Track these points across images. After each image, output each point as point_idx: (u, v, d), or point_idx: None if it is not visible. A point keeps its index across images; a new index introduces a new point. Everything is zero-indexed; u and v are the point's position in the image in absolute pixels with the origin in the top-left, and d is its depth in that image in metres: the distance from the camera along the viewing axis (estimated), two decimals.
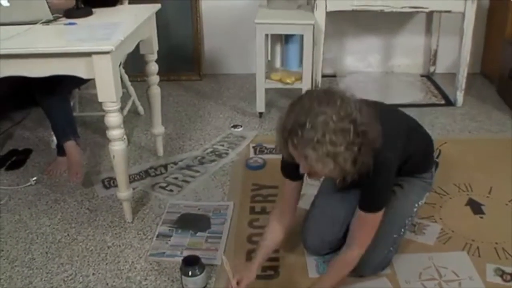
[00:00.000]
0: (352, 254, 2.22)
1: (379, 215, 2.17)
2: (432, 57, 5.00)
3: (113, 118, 2.60)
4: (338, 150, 1.82)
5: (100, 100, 2.55)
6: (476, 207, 2.96)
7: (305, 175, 2.08)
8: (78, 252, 2.67)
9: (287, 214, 2.35)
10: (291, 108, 1.92)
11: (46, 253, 2.66)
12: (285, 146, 1.93)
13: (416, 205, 2.50)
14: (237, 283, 2.19)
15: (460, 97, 4.31)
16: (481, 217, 2.88)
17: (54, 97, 3.17)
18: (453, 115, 4.18)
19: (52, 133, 3.59)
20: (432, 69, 5.04)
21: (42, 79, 2.56)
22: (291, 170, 2.18)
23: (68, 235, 2.80)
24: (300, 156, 1.89)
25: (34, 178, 3.30)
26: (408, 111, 2.56)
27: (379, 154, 1.97)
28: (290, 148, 1.90)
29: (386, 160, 2.05)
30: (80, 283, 2.46)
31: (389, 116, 2.20)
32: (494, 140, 3.76)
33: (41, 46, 2.48)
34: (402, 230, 2.45)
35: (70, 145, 3.30)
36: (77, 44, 2.48)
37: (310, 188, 2.68)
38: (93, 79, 2.51)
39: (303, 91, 3.78)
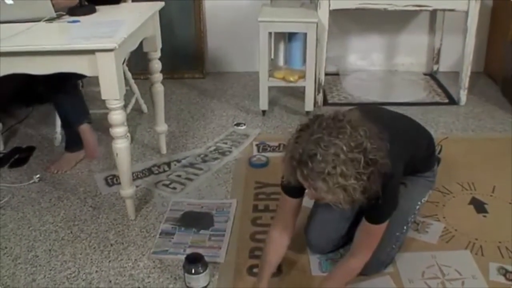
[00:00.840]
0: (355, 262, 2.22)
1: (384, 225, 2.17)
2: (435, 56, 4.99)
3: (117, 116, 2.60)
4: (348, 182, 1.81)
5: (103, 97, 2.55)
6: (479, 206, 2.96)
7: None
8: (81, 249, 2.67)
9: (289, 228, 2.33)
10: (299, 135, 1.88)
11: (49, 250, 2.67)
12: (293, 174, 1.91)
13: (419, 203, 2.50)
14: None
15: (463, 96, 4.31)
16: (484, 216, 2.88)
17: (64, 91, 3.20)
18: (456, 114, 4.17)
19: (57, 130, 3.62)
20: (435, 67, 5.03)
21: (49, 75, 2.56)
22: (293, 190, 2.17)
23: (71, 232, 2.80)
24: (310, 187, 1.88)
25: (37, 176, 3.30)
26: (411, 110, 2.57)
27: (386, 178, 1.95)
28: (299, 177, 1.88)
29: (393, 181, 2.04)
30: (83, 280, 2.47)
31: (391, 126, 2.17)
32: (498, 139, 3.75)
33: (44, 44, 2.47)
34: (405, 227, 2.45)
35: (85, 128, 3.34)
36: (81, 42, 2.48)
37: None
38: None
39: (307, 90, 3.86)
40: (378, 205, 2.02)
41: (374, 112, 2.15)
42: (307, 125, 1.89)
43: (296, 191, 2.12)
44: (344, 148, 1.79)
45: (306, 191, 1.98)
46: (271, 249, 2.32)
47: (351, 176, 1.80)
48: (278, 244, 2.32)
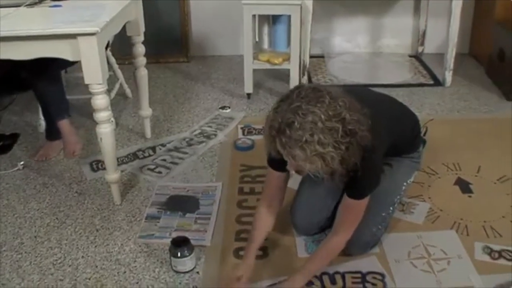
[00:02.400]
0: (338, 239, 2.23)
1: (365, 201, 2.17)
2: (420, 38, 4.99)
3: (100, 100, 2.59)
4: (326, 150, 1.81)
5: (86, 82, 2.53)
6: (464, 186, 2.97)
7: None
8: (67, 235, 2.66)
9: (275, 204, 2.35)
10: (278, 105, 1.90)
11: (35, 237, 2.65)
12: (273, 144, 1.92)
13: (405, 183, 2.51)
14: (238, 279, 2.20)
15: (448, 77, 4.32)
16: (470, 196, 2.90)
17: (46, 77, 3.17)
18: (442, 95, 4.18)
19: (40, 117, 3.59)
20: (420, 49, 5.03)
21: (33, 61, 2.54)
22: (278, 163, 2.17)
23: (56, 218, 2.79)
24: (288, 155, 1.89)
25: (22, 163, 3.28)
26: (396, 91, 2.57)
27: (367, 151, 1.96)
28: (278, 146, 1.89)
29: (374, 155, 2.04)
30: (69, 266, 2.46)
31: (375, 105, 2.19)
32: (483, 120, 3.76)
33: (26, 29, 2.44)
34: (391, 208, 2.46)
35: (65, 123, 3.32)
36: (62, 26, 2.45)
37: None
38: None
39: (291, 72, 3.86)
40: (358, 179, 2.04)
41: (358, 92, 2.14)
42: (287, 96, 1.91)
43: (281, 164, 2.12)
44: (322, 116, 1.79)
45: (288, 164, 1.99)
46: (258, 225, 2.33)
47: (328, 145, 1.80)
48: (265, 220, 2.33)
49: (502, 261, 2.41)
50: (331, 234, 2.26)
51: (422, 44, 5.01)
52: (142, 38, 3.22)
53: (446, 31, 4.22)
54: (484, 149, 3.33)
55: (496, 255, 2.45)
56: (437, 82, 4.42)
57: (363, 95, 2.10)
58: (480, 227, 2.63)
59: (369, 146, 1.94)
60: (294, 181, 2.54)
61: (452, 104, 4.02)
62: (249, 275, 2.22)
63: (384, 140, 2.12)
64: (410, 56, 5.05)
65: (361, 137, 1.88)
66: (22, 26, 2.48)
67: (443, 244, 2.52)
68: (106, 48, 3.19)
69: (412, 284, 2.29)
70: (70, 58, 2.49)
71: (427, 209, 2.77)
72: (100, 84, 2.53)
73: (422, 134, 2.69)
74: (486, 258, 2.43)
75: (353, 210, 2.19)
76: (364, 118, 1.90)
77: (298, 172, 2.04)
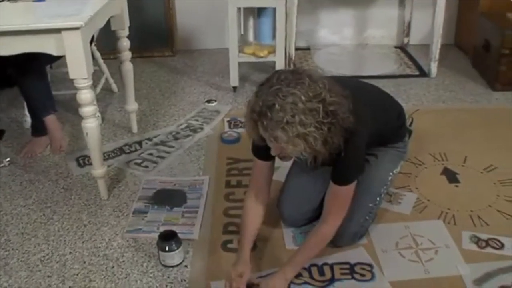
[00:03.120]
0: (327, 228, 2.22)
1: (351, 187, 2.17)
2: (405, 29, 5.00)
3: (85, 95, 2.57)
4: (308, 131, 1.83)
5: (71, 77, 2.52)
6: (451, 176, 2.98)
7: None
8: (54, 231, 2.65)
9: (263, 195, 2.35)
10: (259, 90, 1.91)
11: (22, 233, 2.64)
12: (255, 129, 1.93)
13: (391, 173, 2.51)
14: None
15: (434, 67, 4.33)
16: (456, 186, 2.91)
17: (31, 73, 3.15)
18: (427, 86, 4.20)
19: (26, 113, 3.56)
20: (406, 40, 5.04)
21: (18, 56, 2.52)
22: (262, 151, 2.17)
23: (43, 215, 2.77)
24: (270, 138, 1.89)
25: (8, 159, 3.25)
26: (382, 82, 2.58)
27: (350, 134, 1.97)
28: (260, 130, 1.90)
29: (356, 138, 2.04)
30: (57, 262, 2.45)
31: (358, 92, 2.20)
32: (468, 110, 3.78)
33: (9, 24, 2.42)
34: (378, 199, 2.46)
35: (51, 119, 3.30)
36: (46, 21, 2.44)
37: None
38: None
39: (277, 65, 3.85)
40: (342, 164, 2.07)
41: (343, 80, 2.15)
42: (267, 80, 1.92)
43: (265, 152, 2.12)
44: (303, 97, 1.81)
45: (271, 149, 1.99)
46: (248, 219, 2.34)
47: (310, 125, 1.82)
48: (254, 213, 2.34)
49: (489, 250, 2.43)
50: (319, 223, 2.26)
51: (408, 35, 5.02)
52: (127, 32, 3.21)
53: (431, 22, 4.23)
54: (470, 139, 3.34)
55: (483, 244, 2.46)
56: (423, 73, 4.43)
57: (348, 83, 2.11)
58: (467, 217, 2.65)
59: (351, 129, 1.95)
60: (281, 174, 2.55)
61: (438, 95, 4.03)
62: (250, 272, 2.22)
63: (367, 125, 2.11)
64: (396, 47, 5.05)
65: (342, 118, 1.90)
66: (5, 21, 2.45)
67: (430, 234, 2.53)
68: (91, 42, 3.19)
69: (400, 274, 2.30)
70: (54, 53, 2.47)
71: (414, 199, 2.78)
72: (85, 78, 2.51)
73: (407, 125, 2.69)
74: (474, 247, 2.45)
75: (340, 196, 2.19)
76: (345, 101, 1.92)
77: (282, 157, 2.05)
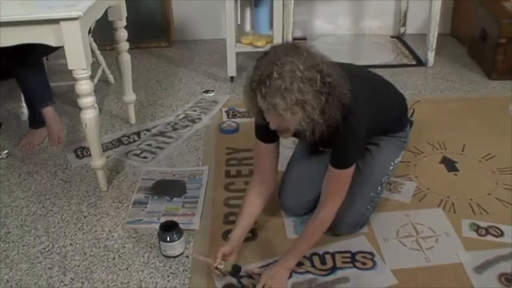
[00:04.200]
0: (326, 212, 2.22)
1: (349, 171, 2.16)
2: (402, 18, 4.99)
3: (84, 86, 2.56)
4: (306, 98, 1.84)
5: (70, 67, 2.51)
6: (450, 165, 2.99)
7: (280, 140, 2.09)
8: (54, 223, 2.65)
9: (267, 180, 2.34)
10: (258, 63, 1.93)
11: (22, 226, 2.63)
12: (253, 100, 1.94)
13: (392, 163, 2.51)
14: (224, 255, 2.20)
15: (431, 57, 4.33)
16: (455, 174, 2.92)
17: (28, 65, 3.13)
18: (425, 75, 4.20)
19: (23, 105, 3.55)
20: (402, 30, 5.04)
21: (14, 48, 2.51)
22: (265, 132, 2.17)
23: (43, 206, 2.77)
24: (269, 106, 1.88)
25: (6, 151, 3.24)
26: (379, 72, 2.57)
27: (347, 111, 1.98)
28: (259, 99, 1.90)
29: (355, 118, 2.05)
30: (58, 254, 2.44)
31: (361, 77, 2.21)
32: (466, 99, 3.78)
33: (7, 14, 2.40)
34: (379, 188, 2.46)
35: (49, 110, 3.29)
36: (45, 11, 2.42)
37: (285, 150, 2.68)
38: (63, 47, 2.47)
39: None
40: (340, 146, 2.09)
41: (345, 65, 2.16)
42: (265, 53, 1.94)
43: (269, 135, 2.13)
44: (301, 66, 1.83)
45: (270, 122, 1.98)
46: (247, 202, 2.33)
47: (308, 93, 1.83)
48: (254, 197, 2.33)
49: (489, 238, 2.44)
50: (318, 208, 2.25)
51: (404, 25, 5.01)
52: (124, 22, 3.20)
53: (428, 12, 4.24)
54: (468, 128, 3.35)
55: (483, 231, 2.47)
56: (420, 63, 4.43)
57: (350, 68, 2.12)
58: (466, 205, 2.66)
59: (348, 108, 1.97)
60: (282, 164, 2.54)
61: (435, 84, 4.04)
62: (234, 253, 2.23)
63: (365, 107, 2.12)
64: (392, 37, 5.04)
65: (340, 93, 1.92)
66: (3, 12, 2.43)
67: (430, 222, 2.54)
68: (88, 33, 3.17)
69: (401, 262, 2.31)
70: (53, 43, 2.46)
71: (414, 188, 2.79)
72: (84, 69, 2.51)
73: (409, 116, 2.70)
74: (473, 234, 2.46)
75: (338, 180, 2.19)
76: (342, 78, 1.95)
77: (281, 132, 2.04)
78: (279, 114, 1.88)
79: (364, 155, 2.44)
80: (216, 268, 2.16)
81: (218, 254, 2.17)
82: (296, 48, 1.90)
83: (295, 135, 2.10)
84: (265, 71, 1.85)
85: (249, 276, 2.23)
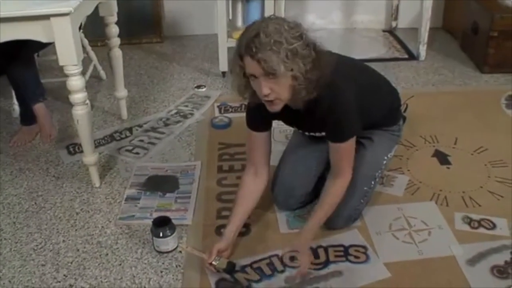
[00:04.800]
0: (341, 181, 2.23)
1: (350, 143, 2.18)
2: (394, 12, 4.99)
3: (75, 82, 2.55)
4: (296, 47, 1.87)
5: (61, 63, 2.50)
6: (442, 158, 2.99)
7: (272, 130, 2.09)
8: (46, 220, 2.64)
9: (261, 171, 2.35)
10: (243, 32, 1.97)
11: (14, 223, 2.62)
12: (242, 70, 1.97)
13: (386, 157, 2.52)
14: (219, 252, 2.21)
15: (422, 51, 4.34)
16: (448, 168, 2.92)
17: (19, 61, 3.12)
18: (417, 69, 4.20)
19: (14, 101, 3.53)
20: (394, 24, 5.04)
21: (5, 44, 2.49)
22: (257, 120, 2.19)
23: (35, 203, 2.76)
24: (261, 63, 1.88)
25: None
26: (372, 66, 2.57)
27: (335, 88, 2.03)
28: (249, 63, 1.91)
29: (343, 96, 2.09)
30: (51, 251, 2.44)
31: (351, 61, 2.23)
32: (458, 93, 3.79)
33: None
34: (373, 182, 2.47)
35: (40, 107, 3.28)
36: (35, 7, 2.40)
37: (278, 144, 2.69)
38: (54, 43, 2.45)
39: None
40: (333, 122, 2.12)
41: (340, 56, 2.18)
42: (251, 23, 1.98)
43: (261, 123, 2.15)
44: (285, 26, 1.89)
45: (262, 88, 1.96)
46: (240, 195, 2.34)
47: (297, 44, 1.88)
48: (248, 189, 2.33)
49: (481, 230, 2.45)
50: (332, 178, 2.26)
51: (396, 19, 5.02)
52: (115, 18, 3.19)
53: (419, 6, 4.25)
54: (460, 121, 3.36)
55: (476, 224, 2.48)
56: (412, 56, 4.44)
57: (340, 56, 2.15)
58: (459, 198, 2.66)
59: (337, 84, 2.04)
60: (275, 158, 2.54)
61: (427, 78, 4.04)
62: (229, 249, 2.25)
63: (352, 87, 2.15)
64: (384, 31, 5.05)
65: (325, 62, 1.97)
66: None
67: (423, 215, 2.55)
68: (79, 29, 3.15)
69: (394, 255, 2.31)
70: (43, 39, 2.45)
71: (406, 181, 2.79)
72: (75, 65, 2.49)
73: (402, 111, 2.70)
74: (466, 227, 2.46)
75: (342, 151, 2.20)
76: (330, 56, 2.01)
77: (272, 102, 2.01)
78: (272, 71, 1.88)
79: (359, 144, 2.44)
80: (211, 264, 2.17)
81: (213, 251, 2.17)
82: (280, 17, 1.97)
83: (285, 117, 2.11)
84: (250, 34, 1.88)
85: (243, 270, 2.24)
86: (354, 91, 2.14)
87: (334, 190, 2.24)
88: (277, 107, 2.06)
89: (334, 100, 2.05)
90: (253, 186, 2.33)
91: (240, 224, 2.32)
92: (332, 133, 2.18)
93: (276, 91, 1.96)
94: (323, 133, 2.25)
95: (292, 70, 1.89)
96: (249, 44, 1.87)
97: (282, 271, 2.23)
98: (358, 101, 2.16)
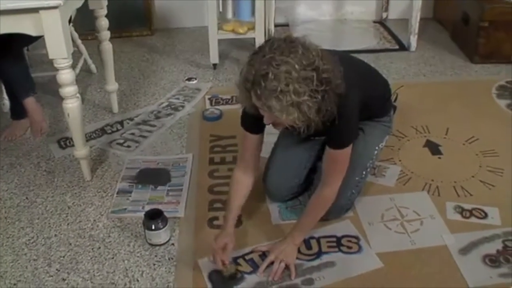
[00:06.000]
0: (330, 190, 2.22)
1: (347, 150, 2.17)
2: (384, 3, 4.99)
3: (66, 75, 2.54)
4: (302, 99, 1.81)
5: (50, 57, 2.48)
6: (434, 148, 3.00)
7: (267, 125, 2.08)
8: (38, 214, 2.63)
9: (251, 169, 2.34)
10: (252, 58, 1.88)
11: (5, 218, 2.61)
12: (248, 98, 1.91)
13: (377, 148, 2.52)
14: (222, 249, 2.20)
15: (413, 41, 4.34)
16: (439, 158, 2.93)
17: (9, 55, 3.09)
18: (408, 60, 4.21)
19: (4, 96, 3.51)
20: (384, 15, 5.03)
21: None
22: (252, 123, 2.17)
23: (26, 198, 2.75)
24: (264, 107, 1.87)
25: None
26: (362, 57, 2.58)
27: (341, 99, 1.96)
28: (254, 99, 1.88)
29: (348, 101, 2.04)
30: (43, 245, 2.43)
31: (347, 62, 2.20)
32: (449, 83, 3.80)
33: None
34: (364, 173, 2.47)
35: (31, 101, 3.25)
36: (24, 0, 2.37)
37: (270, 136, 2.68)
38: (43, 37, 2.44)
39: (257, 41, 3.82)
40: (337, 128, 2.05)
41: (328, 50, 2.15)
42: (259, 48, 1.90)
43: (255, 126, 2.12)
44: (296, 66, 1.79)
45: (264, 118, 1.98)
46: (235, 190, 2.33)
47: (304, 94, 1.81)
48: (242, 184, 2.33)
49: (473, 219, 2.46)
50: (320, 186, 2.25)
51: (386, 10, 5.01)
52: (105, 11, 3.17)
53: None
54: (452, 112, 3.36)
55: (468, 213, 2.49)
56: (402, 47, 4.43)
57: (335, 53, 2.11)
58: (451, 187, 2.67)
59: (343, 94, 1.95)
60: (266, 149, 2.53)
61: (418, 68, 4.05)
62: (234, 244, 2.23)
63: (357, 88, 2.12)
64: (375, 22, 5.04)
65: (336, 85, 1.90)
66: None
67: (415, 205, 2.56)
68: (69, 23, 3.14)
69: (387, 245, 2.32)
70: (33, 33, 2.43)
71: (398, 171, 2.80)
72: (65, 58, 2.48)
73: (393, 100, 2.70)
74: (458, 217, 2.48)
75: (339, 159, 2.18)
76: (336, 66, 1.92)
77: (275, 125, 2.03)
78: (274, 115, 1.87)
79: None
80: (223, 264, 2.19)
81: (226, 259, 2.19)
82: (291, 43, 1.86)
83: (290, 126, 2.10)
84: (259, 70, 1.81)
85: (235, 262, 2.24)
86: (358, 96, 2.13)
87: (321, 198, 2.25)
88: (280, 128, 2.09)
89: (340, 110, 2.00)
90: (245, 181, 2.33)
91: (236, 218, 2.32)
92: (333, 140, 2.16)
93: (278, 122, 1.96)
94: (322, 137, 2.25)
95: (295, 116, 1.86)
96: (256, 83, 1.83)
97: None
98: (361, 103, 2.16)
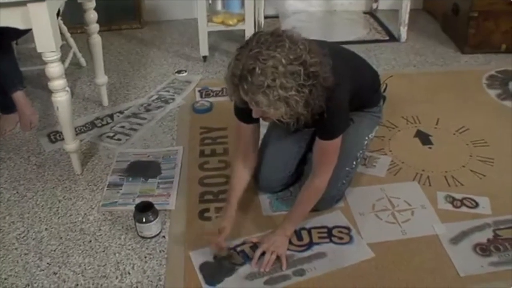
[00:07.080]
0: (319, 181, 2.22)
1: (337, 141, 2.17)
2: None
3: (54, 69, 2.52)
4: (289, 94, 1.82)
5: (39, 50, 2.46)
6: (424, 138, 3.01)
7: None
8: (28, 208, 2.62)
9: (250, 156, 2.36)
10: (239, 52, 1.88)
11: None
12: (236, 92, 1.91)
13: (367, 138, 2.52)
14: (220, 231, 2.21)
15: (403, 32, 4.34)
16: (430, 148, 2.93)
17: None
18: (398, 50, 4.21)
19: None
20: (374, 6, 5.04)
21: None
22: (245, 114, 2.17)
23: (17, 192, 2.74)
24: (252, 101, 1.87)
25: None
26: (352, 48, 2.59)
27: (331, 91, 1.96)
28: (241, 93, 1.88)
29: (337, 93, 2.04)
30: (33, 239, 2.42)
31: (336, 53, 2.19)
32: (439, 73, 3.80)
33: None
34: (354, 163, 2.47)
35: (20, 95, 3.24)
36: None
37: (261, 127, 2.68)
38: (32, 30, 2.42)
39: (246, 33, 3.82)
40: (326, 120, 2.05)
41: (319, 42, 2.14)
42: (246, 43, 1.90)
43: (248, 115, 2.12)
44: (283, 60, 1.80)
45: (253, 112, 1.98)
46: (236, 182, 2.34)
47: (291, 88, 1.81)
48: (242, 173, 2.35)
49: (464, 209, 2.47)
50: (311, 177, 2.25)
51: (376, 0, 5.01)
52: (94, 4, 3.15)
53: None
54: (442, 102, 3.37)
55: (458, 203, 2.50)
56: (393, 38, 4.44)
57: (324, 44, 2.10)
58: (441, 177, 2.68)
59: (332, 87, 1.95)
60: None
61: (408, 59, 4.05)
62: (232, 226, 2.24)
63: (347, 80, 2.13)
64: (365, 13, 5.05)
65: (324, 78, 1.89)
66: None
67: (406, 195, 2.56)
68: (57, 16, 3.12)
69: (378, 235, 2.32)
70: (20, 26, 2.41)
71: (388, 162, 2.80)
72: (53, 52, 2.46)
73: (382, 91, 2.70)
74: (449, 206, 2.48)
75: (329, 150, 2.18)
76: (325, 59, 1.92)
77: (264, 118, 2.04)
78: (262, 109, 1.87)
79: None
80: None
81: (222, 241, 2.20)
82: (278, 37, 1.86)
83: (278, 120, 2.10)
84: (246, 65, 1.81)
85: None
86: (348, 87, 2.14)
87: (312, 189, 2.25)
88: (269, 121, 2.10)
89: (329, 102, 2.00)
90: (243, 172, 2.35)
91: (237, 202, 2.33)
92: (323, 131, 2.16)
93: (267, 116, 1.96)
94: (312, 128, 2.25)
95: (283, 111, 1.87)
96: (243, 78, 1.82)
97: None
98: (350, 94, 2.17)
